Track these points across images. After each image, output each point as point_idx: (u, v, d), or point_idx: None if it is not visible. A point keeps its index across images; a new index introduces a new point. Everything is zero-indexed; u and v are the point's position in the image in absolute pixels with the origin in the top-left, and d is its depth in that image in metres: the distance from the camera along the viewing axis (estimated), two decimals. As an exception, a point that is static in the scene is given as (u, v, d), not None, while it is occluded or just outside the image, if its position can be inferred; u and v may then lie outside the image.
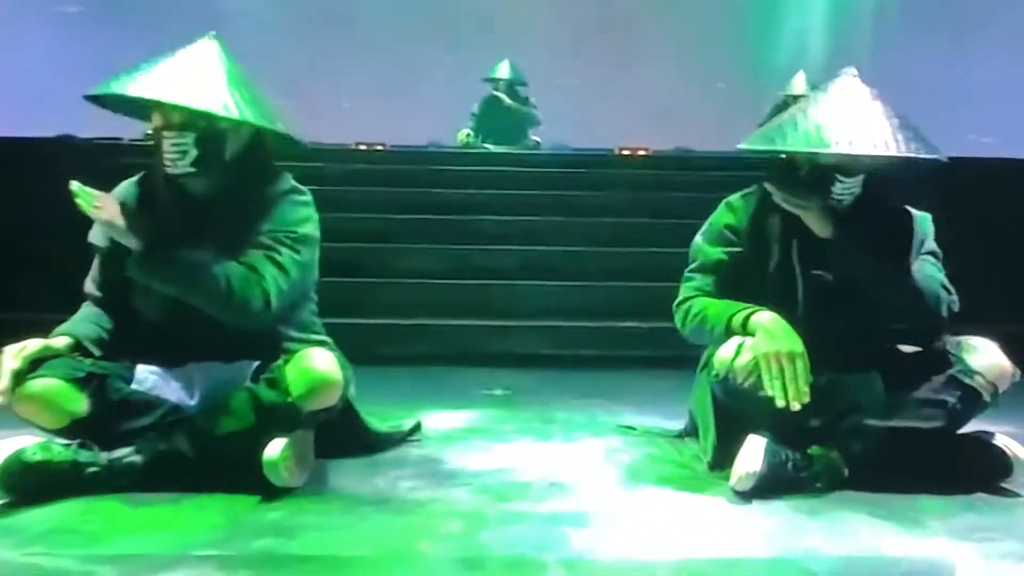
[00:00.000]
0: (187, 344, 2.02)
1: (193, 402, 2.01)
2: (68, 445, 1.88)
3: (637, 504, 1.95)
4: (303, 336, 2.08)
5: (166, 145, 1.96)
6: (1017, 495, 2.01)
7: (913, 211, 2.29)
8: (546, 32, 9.18)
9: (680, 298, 2.24)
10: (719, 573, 1.56)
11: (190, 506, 1.82)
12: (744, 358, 2.02)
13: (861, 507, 1.90)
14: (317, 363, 1.93)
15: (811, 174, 2.15)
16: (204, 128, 1.98)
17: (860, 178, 2.15)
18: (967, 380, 2.03)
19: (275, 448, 1.87)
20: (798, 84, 7.25)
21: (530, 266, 4.86)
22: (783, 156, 2.21)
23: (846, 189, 2.14)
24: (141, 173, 2.16)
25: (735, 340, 2.07)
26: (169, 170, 1.99)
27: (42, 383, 1.87)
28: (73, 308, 2.13)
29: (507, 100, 7.45)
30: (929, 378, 2.07)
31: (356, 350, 2.24)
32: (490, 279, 4.71)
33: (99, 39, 9.09)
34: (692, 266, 2.26)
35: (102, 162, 6.13)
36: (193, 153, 1.98)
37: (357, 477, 2.09)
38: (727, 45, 9.24)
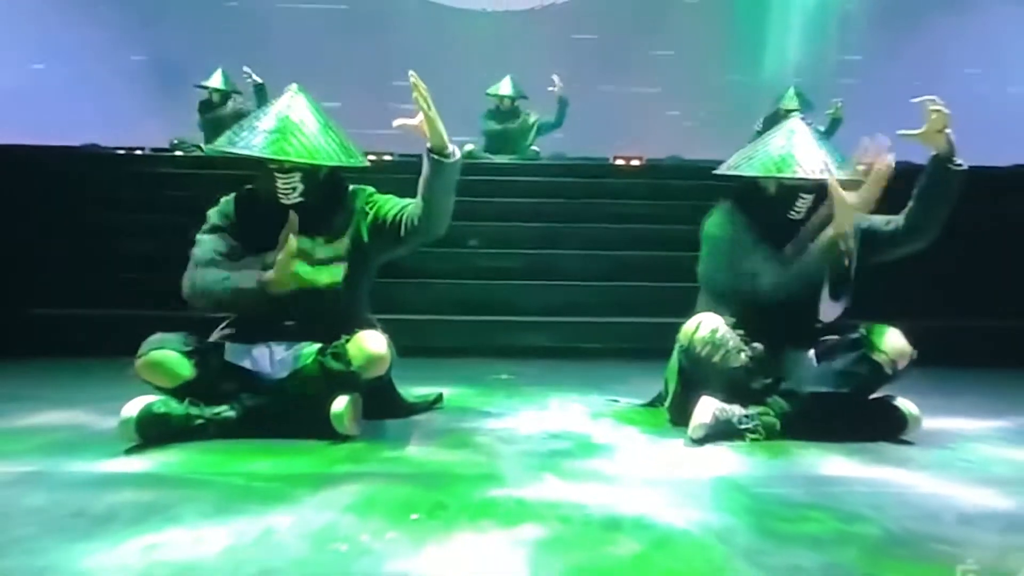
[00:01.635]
0: (270, 327, 2.67)
1: (272, 371, 2.65)
2: (181, 401, 2.53)
3: (613, 445, 2.59)
4: (360, 321, 2.74)
5: (279, 183, 2.64)
6: (910, 442, 2.66)
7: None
8: (546, 46, 9.82)
9: None
10: (671, 487, 2.19)
11: (283, 447, 2.44)
12: (703, 332, 2.70)
13: (791, 449, 2.55)
14: (372, 343, 2.58)
15: (779, 192, 2.82)
16: (306, 169, 2.66)
17: (813, 196, 2.82)
18: (875, 357, 2.68)
19: (340, 404, 2.52)
20: (788, 100, 7.99)
21: (532, 268, 5.48)
22: (752, 179, 2.86)
23: (804, 203, 2.83)
24: (243, 190, 2.79)
25: (697, 317, 2.75)
26: (282, 201, 2.65)
27: (161, 353, 2.52)
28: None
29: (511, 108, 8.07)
30: (846, 355, 2.73)
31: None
32: (496, 279, 5.36)
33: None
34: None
35: (126, 169, 6.89)
36: (300, 188, 2.66)
37: (398, 431, 2.74)
38: (720, 59, 9.87)
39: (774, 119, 8.03)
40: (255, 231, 2.69)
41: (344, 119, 8.49)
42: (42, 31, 9.92)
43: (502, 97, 8.05)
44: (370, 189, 2.83)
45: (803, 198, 2.81)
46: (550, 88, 7.94)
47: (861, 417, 2.72)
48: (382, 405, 2.87)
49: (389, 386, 2.89)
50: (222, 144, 2.68)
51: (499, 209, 6.00)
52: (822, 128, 7.99)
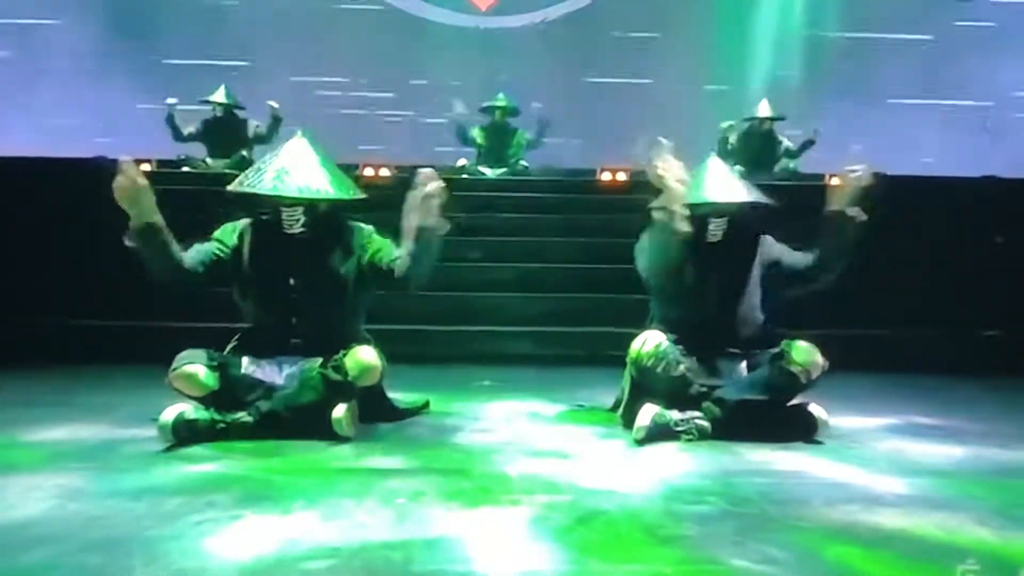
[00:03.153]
0: (278, 344, 3.25)
1: (281, 382, 3.22)
2: (207, 409, 3.10)
3: (570, 445, 3.16)
4: (357, 337, 3.31)
5: (284, 215, 3.23)
6: (819, 442, 3.23)
7: (765, 240, 3.55)
8: (539, 62, 10.38)
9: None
10: (607, 478, 2.73)
11: (294, 445, 3.02)
12: (648, 347, 3.27)
13: (717, 447, 3.12)
14: (366, 356, 3.15)
15: (695, 218, 3.36)
16: (307, 203, 3.23)
17: (725, 219, 3.41)
18: (792, 369, 3.24)
19: (340, 410, 3.09)
20: (762, 109, 8.63)
21: (518, 280, 6.07)
22: None
23: (717, 227, 3.43)
24: (257, 219, 3.34)
25: (644, 334, 3.32)
26: (286, 231, 3.23)
27: (191, 367, 3.09)
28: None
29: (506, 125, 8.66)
30: (769, 366, 3.30)
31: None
32: (482, 291, 5.93)
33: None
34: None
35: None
36: (302, 220, 3.25)
37: (389, 433, 3.32)
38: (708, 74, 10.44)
39: (749, 128, 8.72)
40: (257, 254, 3.26)
41: (338, 134, 9.10)
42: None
43: (496, 110, 8.60)
44: (369, 228, 3.38)
45: (715, 222, 3.41)
46: (535, 104, 8.58)
47: (780, 421, 3.29)
48: (376, 410, 3.44)
49: (382, 394, 3.47)
50: (235, 187, 3.25)
51: (488, 224, 6.59)
52: (793, 147, 8.64)
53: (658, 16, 10.54)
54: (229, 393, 3.15)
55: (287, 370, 3.24)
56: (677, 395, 3.30)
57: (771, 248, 3.54)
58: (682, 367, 3.30)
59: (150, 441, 3.03)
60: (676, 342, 3.36)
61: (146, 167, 8.25)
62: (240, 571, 1.86)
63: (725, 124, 8.72)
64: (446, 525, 2.20)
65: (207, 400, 3.12)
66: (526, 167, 8.54)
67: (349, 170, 8.08)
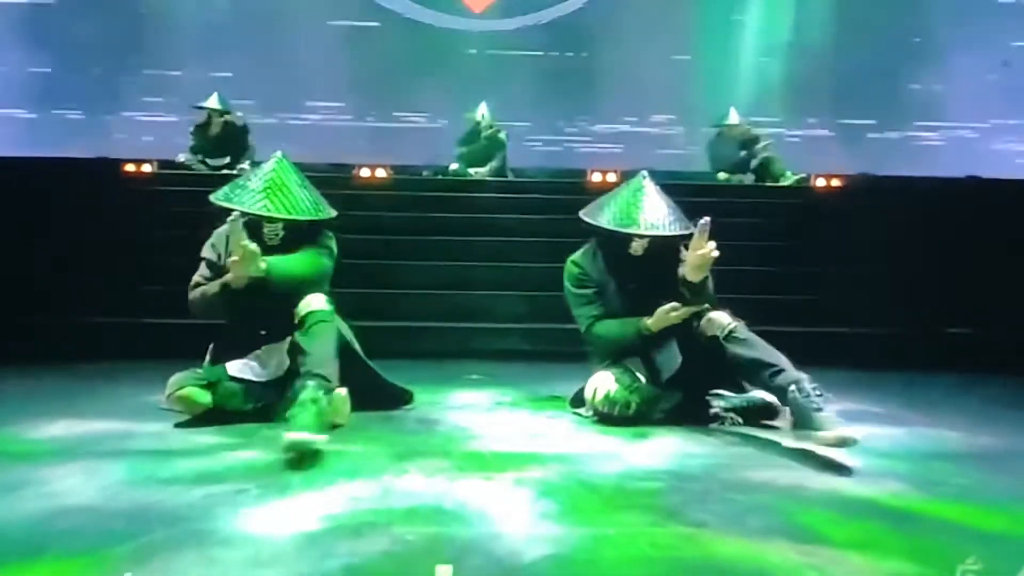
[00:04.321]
0: (251, 340, 3.58)
1: (266, 372, 3.55)
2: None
3: (541, 429, 3.54)
4: None
5: (265, 229, 3.57)
6: (775, 427, 3.58)
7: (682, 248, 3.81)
8: (530, 65, 10.72)
9: (585, 326, 3.81)
10: (573, 459, 3.08)
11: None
12: (598, 397, 3.59)
13: (665, 428, 3.48)
14: (314, 301, 3.51)
15: (617, 234, 3.71)
16: (287, 219, 3.58)
17: (646, 240, 3.72)
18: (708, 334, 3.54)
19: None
20: (732, 116, 9.17)
21: (507, 280, 6.43)
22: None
23: (640, 244, 3.73)
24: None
25: (592, 382, 3.64)
26: (267, 243, 3.56)
27: (184, 391, 3.42)
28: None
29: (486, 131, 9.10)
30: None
31: (374, 347, 3.84)
32: (476, 290, 6.28)
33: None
34: (579, 304, 3.83)
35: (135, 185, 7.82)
36: (282, 234, 3.60)
37: (379, 419, 3.66)
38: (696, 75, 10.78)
39: (721, 136, 9.23)
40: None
41: (329, 137, 9.45)
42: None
43: (478, 121, 9.12)
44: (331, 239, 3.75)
45: (639, 241, 3.72)
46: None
47: (741, 410, 3.66)
48: (367, 391, 3.72)
49: (368, 370, 3.76)
50: (221, 198, 3.56)
51: (484, 225, 6.96)
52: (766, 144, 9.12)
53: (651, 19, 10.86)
54: (223, 404, 3.48)
55: (266, 361, 3.58)
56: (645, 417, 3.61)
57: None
58: (634, 405, 3.57)
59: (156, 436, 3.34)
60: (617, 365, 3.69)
61: (147, 167, 8.67)
62: (249, 540, 2.22)
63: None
64: (425, 496, 2.55)
65: (203, 415, 3.45)
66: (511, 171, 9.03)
67: (345, 170, 8.60)
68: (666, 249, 3.74)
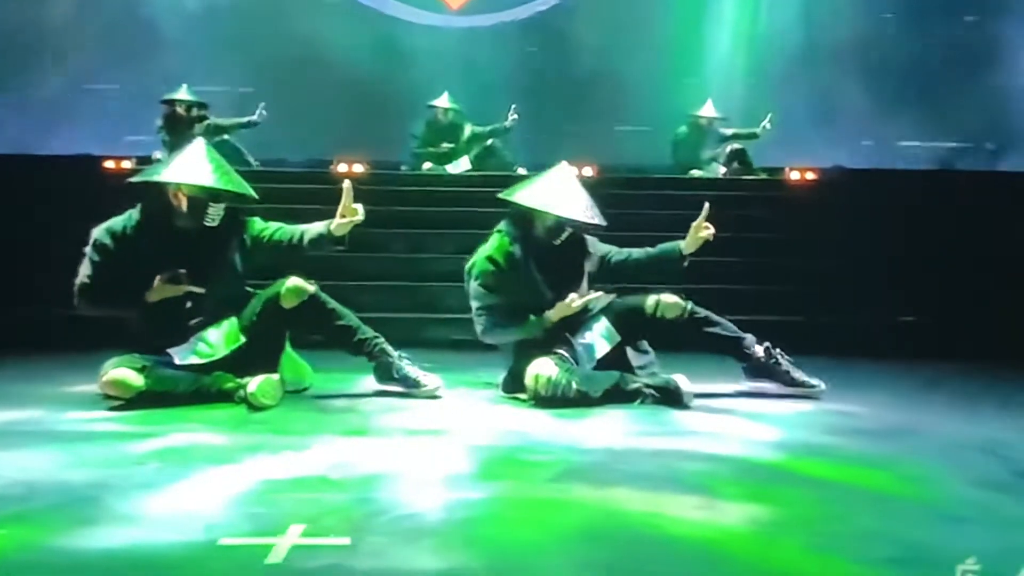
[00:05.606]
0: (186, 328, 3.76)
1: (216, 347, 3.76)
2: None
3: (468, 409, 3.76)
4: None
5: (210, 209, 3.72)
6: (687, 406, 3.77)
7: (589, 239, 4.12)
8: (508, 60, 10.88)
9: (483, 327, 4.03)
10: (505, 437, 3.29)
11: (229, 412, 3.59)
12: (540, 383, 3.76)
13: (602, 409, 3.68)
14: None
15: (546, 223, 3.93)
16: (231, 199, 3.77)
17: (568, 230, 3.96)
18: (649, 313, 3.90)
19: (254, 384, 3.61)
20: (707, 109, 9.30)
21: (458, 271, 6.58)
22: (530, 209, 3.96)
23: (566, 234, 3.99)
24: (142, 211, 3.75)
25: (533, 366, 3.79)
26: (207, 224, 3.73)
27: (116, 375, 3.57)
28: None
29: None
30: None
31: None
32: (433, 282, 6.46)
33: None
34: (481, 304, 4.01)
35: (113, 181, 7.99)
36: (222, 215, 3.76)
37: (320, 404, 3.87)
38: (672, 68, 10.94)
39: (694, 127, 9.38)
40: (155, 246, 3.70)
41: (310, 133, 9.59)
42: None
43: (444, 110, 9.17)
44: (256, 219, 3.96)
45: (569, 231, 3.94)
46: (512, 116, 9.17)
47: (654, 392, 3.84)
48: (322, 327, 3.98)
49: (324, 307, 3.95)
50: (171, 178, 3.70)
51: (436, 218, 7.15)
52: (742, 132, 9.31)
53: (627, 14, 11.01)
54: (157, 390, 3.61)
55: (214, 339, 3.78)
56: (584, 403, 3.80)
57: (596, 246, 4.14)
58: (575, 385, 3.76)
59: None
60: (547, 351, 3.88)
61: (127, 164, 8.84)
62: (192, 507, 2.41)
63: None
64: (334, 467, 2.77)
65: (135, 400, 3.57)
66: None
67: (324, 166, 8.78)
68: (575, 240, 4.00)
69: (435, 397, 3.93)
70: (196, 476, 2.64)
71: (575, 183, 4.04)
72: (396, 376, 3.94)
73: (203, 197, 3.72)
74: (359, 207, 3.73)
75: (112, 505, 2.35)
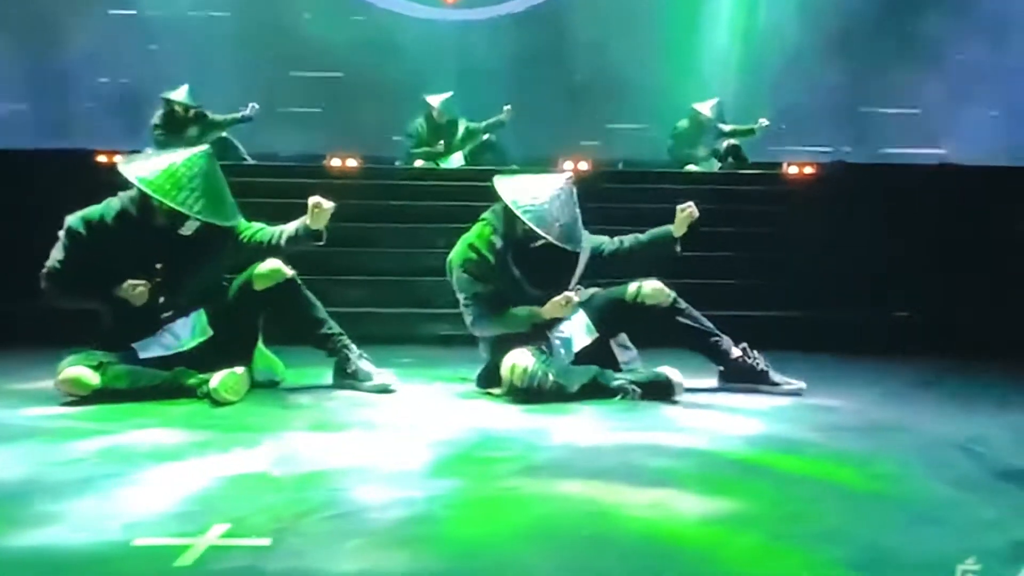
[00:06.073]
0: (155, 322, 3.68)
1: (184, 338, 3.70)
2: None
3: (441, 409, 3.63)
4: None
5: (187, 223, 3.60)
6: (676, 401, 3.67)
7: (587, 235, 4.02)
8: (500, 55, 10.77)
9: (474, 315, 3.90)
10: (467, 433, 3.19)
11: (182, 408, 3.51)
12: (516, 374, 3.65)
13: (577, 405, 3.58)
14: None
15: (523, 226, 3.79)
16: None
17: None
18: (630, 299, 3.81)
19: (216, 380, 3.53)
20: (709, 106, 9.16)
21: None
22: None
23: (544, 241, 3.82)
24: (122, 202, 3.66)
25: (509, 357, 3.70)
26: (182, 233, 3.63)
27: (70, 371, 3.49)
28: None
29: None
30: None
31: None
32: (424, 276, 6.36)
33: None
34: (469, 292, 3.89)
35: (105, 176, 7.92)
36: (198, 227, 3.63)
37: (272, 393, 3.78)
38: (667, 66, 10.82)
39: (694, 121, 9.24)
40: (131, 238, 3.62)
41: (303, 127, 9.52)
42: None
43: (440, 112, 9.03)
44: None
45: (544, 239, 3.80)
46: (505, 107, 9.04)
47: (644, 386, 3.74)
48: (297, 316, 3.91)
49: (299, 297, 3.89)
50: (171, 197, 3.52)
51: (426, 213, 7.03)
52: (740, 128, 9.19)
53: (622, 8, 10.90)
54: (116, 387, 3.53)
55: (181, 330, 3.72)
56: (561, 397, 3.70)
57: (588, 239, 4.02)
58: (551, 377, 3.66)
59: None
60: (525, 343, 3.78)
61: (119, 158, 8.77)
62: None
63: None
64: (304, 461, 2.70)
65: (92, 396, 3.49)
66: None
67: (317, 160, 8.70)
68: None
69: (387, 391, 3.85)
70: (135, 474, 2.54)
71: (565, 194, 3.85)
72: (348, 371, 3.89)
73: (179, 213, 3.59)
74: (326, 201, 3.62)
75: (40, 504, 2.26)
